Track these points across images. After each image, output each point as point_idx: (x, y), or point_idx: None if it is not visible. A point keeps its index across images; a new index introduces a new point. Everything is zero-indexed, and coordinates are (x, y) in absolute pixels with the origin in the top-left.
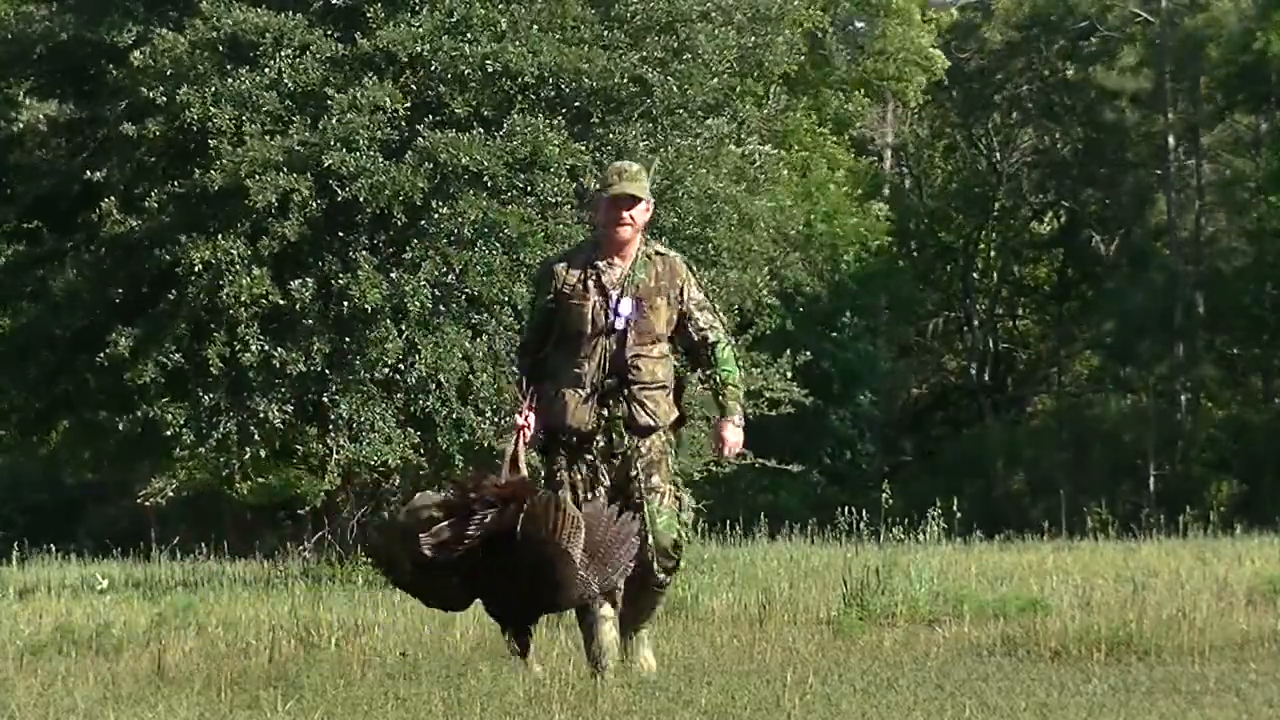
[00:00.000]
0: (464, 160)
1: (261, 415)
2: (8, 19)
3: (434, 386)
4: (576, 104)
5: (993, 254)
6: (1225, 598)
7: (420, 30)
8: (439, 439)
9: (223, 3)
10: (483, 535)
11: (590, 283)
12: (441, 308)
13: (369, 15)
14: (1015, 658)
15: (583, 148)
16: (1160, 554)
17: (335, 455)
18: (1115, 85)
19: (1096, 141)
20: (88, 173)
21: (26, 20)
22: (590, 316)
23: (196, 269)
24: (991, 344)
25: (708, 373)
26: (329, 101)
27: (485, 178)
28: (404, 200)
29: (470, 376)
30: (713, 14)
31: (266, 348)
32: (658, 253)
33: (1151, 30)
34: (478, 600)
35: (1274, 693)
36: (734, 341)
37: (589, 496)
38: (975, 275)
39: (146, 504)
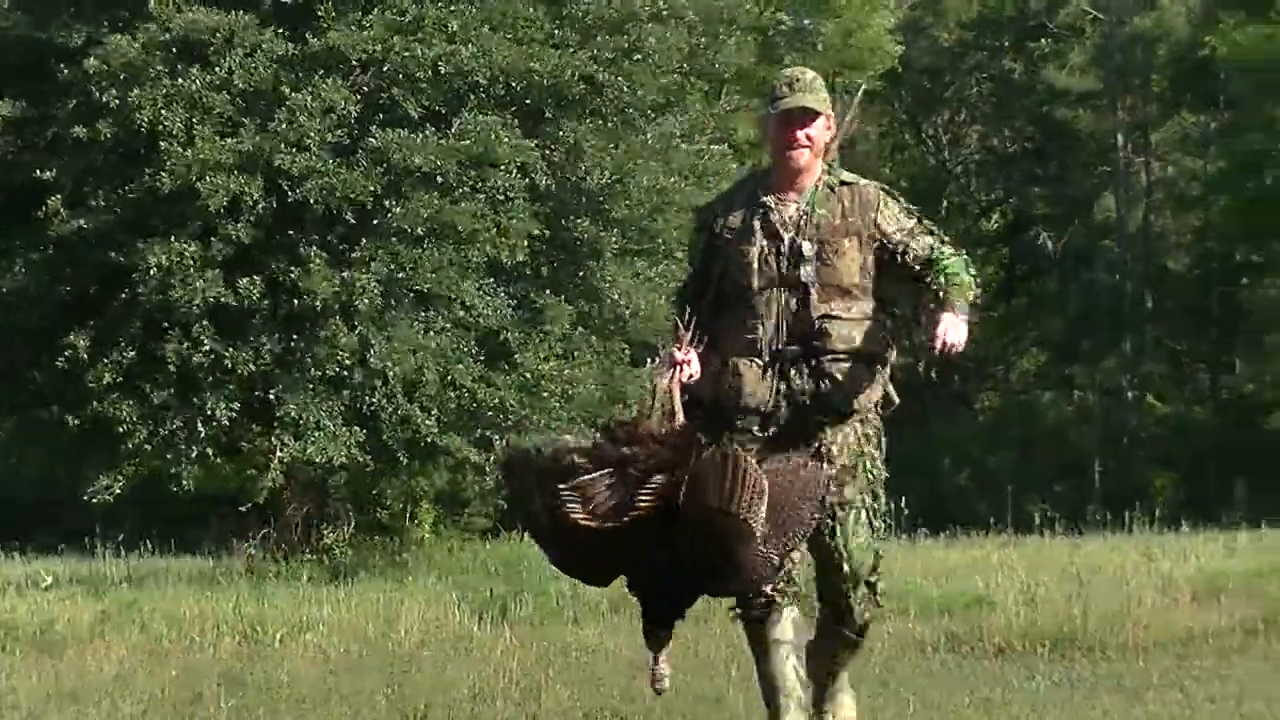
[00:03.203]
0: (416, 159)
1: (209, 413)
2: None
3: (380, 383)
4: (527, 102)
5: (961, 250)
6: (1170, 594)
7: (371, 32)
8: (384, 436)
9: (172, 3)
10: (656, 504)
11: (756, 223)
12: (392, 303)
13: (320, 15)
14: (960, 654)
15: (533, 145)
16: (1105, 550)
17: (280, 452)
18: (1064, 84)
19: (1045, 139)
20: (37, 171)
21: None
22: (757, 265)
23: (152, 272)
24: None
25: (927, 281)
26: (281, 102)
27: (437, 176)
28: (354, 201)
29: (418, 373)
30: (663, 14)
31: (217, 347)
32: (843, 182)
33: (1101, 29)
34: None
35: (1217, 689)
36: (966, 257)
37: None
38: None
39: (94, 501)
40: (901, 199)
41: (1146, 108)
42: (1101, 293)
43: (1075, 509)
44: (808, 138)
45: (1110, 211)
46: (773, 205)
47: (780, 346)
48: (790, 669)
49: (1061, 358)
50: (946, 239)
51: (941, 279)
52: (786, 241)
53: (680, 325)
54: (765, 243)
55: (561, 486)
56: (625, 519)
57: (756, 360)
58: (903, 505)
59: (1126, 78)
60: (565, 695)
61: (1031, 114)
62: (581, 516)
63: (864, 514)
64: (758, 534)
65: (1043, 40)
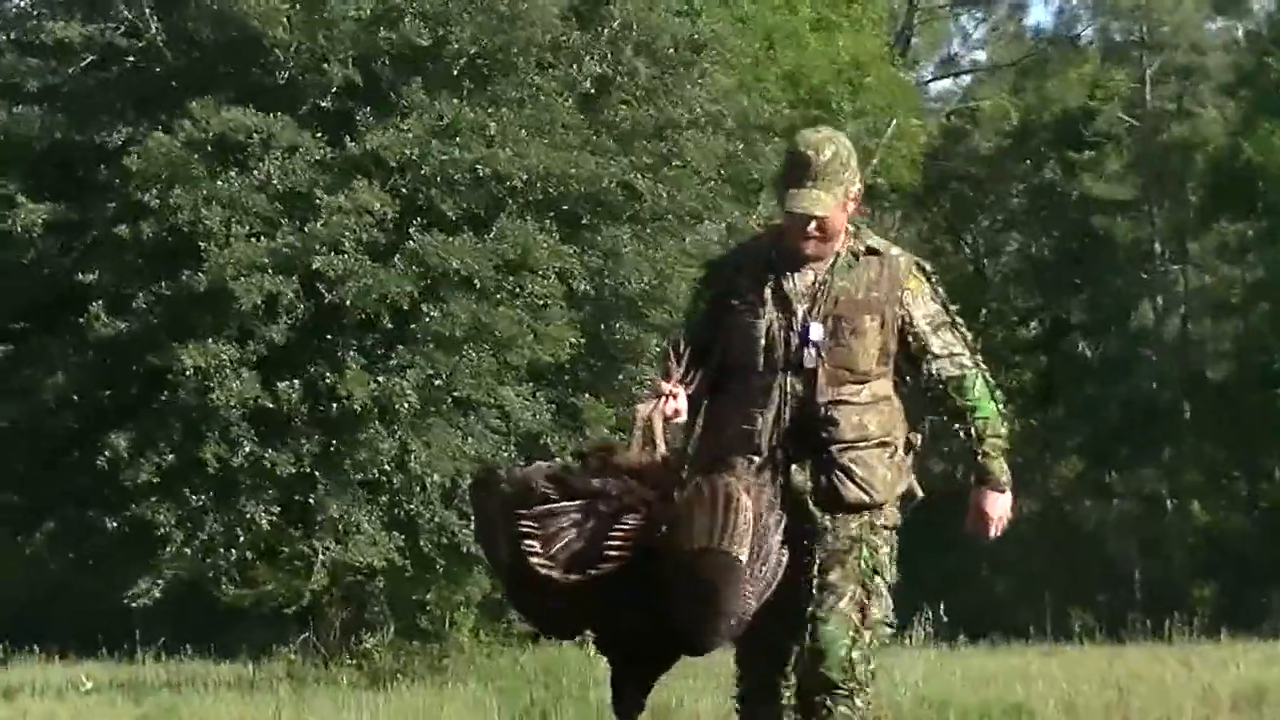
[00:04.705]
0: (453, 263)
1: (248, 516)
2: (1, 119)
3: (419, 489)
4: (565, 207)
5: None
6: (1210, 703)
7: (409, 135)
8: (422, 542)
9: (212, 104)
10: (626, 555)
11: (767, 291)
12: (431, 408)
13: (358, 119)
14: None
15: (571, 250)
16: (1145, 659)
17: (320, 556)
18: (1102, 192)
19: (1082, 247)
20: (79, 274)
21: (19, 121)
22: (764, 342)
23: (188, 373)
24: None
25: (953, 421)
26: (318, 203)
27: (475, 280)
28: (391, 303)
29: (456, 479)
30: (702, 121)
31: (256, 449)
32: (870, 249)
33: (1137, 137)
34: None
35: None
36: (985, 371)
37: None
38: None
39: (133, 605)
40: (933, 276)
41: (1183, 215)
42: (1139, 400)
43: (1115, 617)
44: (820, 230)
45: (1148, 319)
46: (786, 272)
47: (779, 440)
48: None
49: (1100, 465)
50: (968, 337)
51: (973, 427)
52: (800, 316)
53: (671, 357)
54: (776, 315)
55: (521, 513)
56: (591, 573)
57: (756, 457)
58: (942, 613)
59: (1164, 185)
60: None
61: (1069, 222)
62: (540, 562)
63: (845, 602)
64: (745, 571)
65: (1085, 152)
